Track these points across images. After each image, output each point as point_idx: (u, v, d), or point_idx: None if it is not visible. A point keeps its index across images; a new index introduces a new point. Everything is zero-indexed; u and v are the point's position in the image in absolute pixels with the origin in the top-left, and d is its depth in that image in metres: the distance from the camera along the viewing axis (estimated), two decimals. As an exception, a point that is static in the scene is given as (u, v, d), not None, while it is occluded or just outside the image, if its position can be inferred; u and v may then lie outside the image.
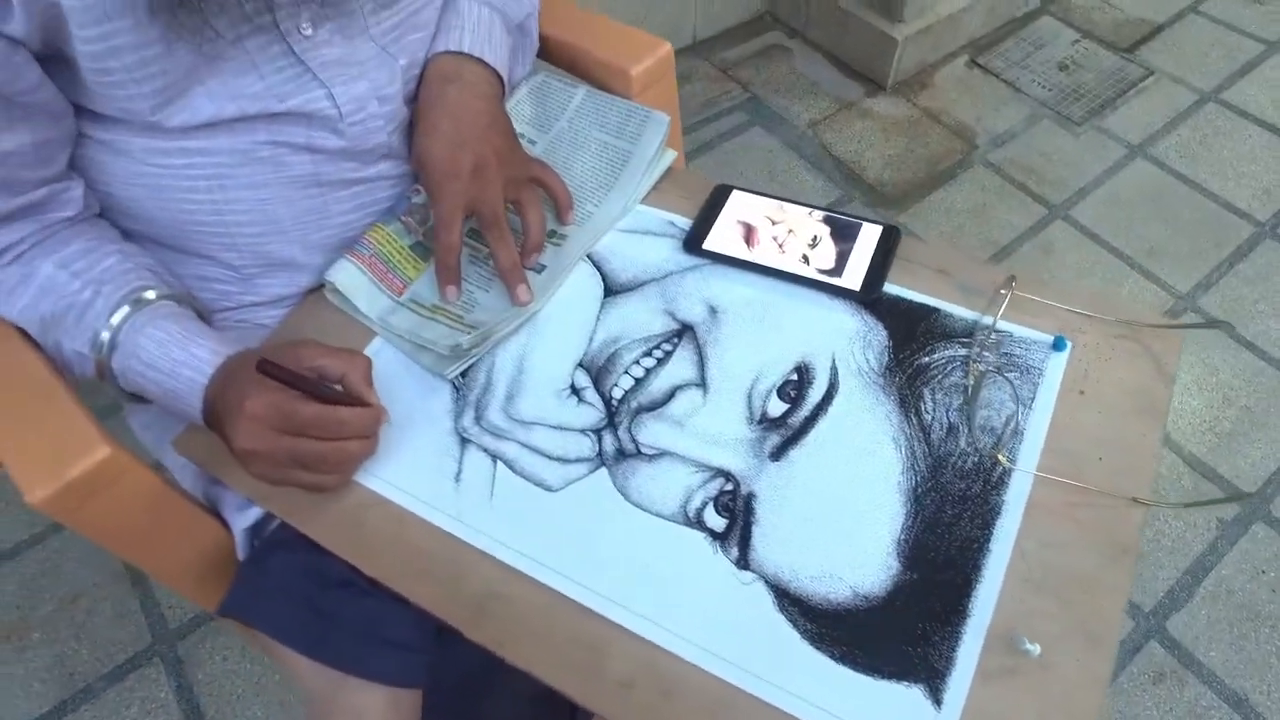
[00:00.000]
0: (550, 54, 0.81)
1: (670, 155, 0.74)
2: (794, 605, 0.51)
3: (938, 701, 0.47)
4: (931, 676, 0.48)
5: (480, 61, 0.69)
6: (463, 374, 0.64)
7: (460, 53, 0.68)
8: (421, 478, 0.59)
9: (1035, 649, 0.47)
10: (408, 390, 0.64)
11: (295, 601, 0.56)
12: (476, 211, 0.66)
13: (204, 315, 0.66)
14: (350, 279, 0.68)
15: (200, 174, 0.62)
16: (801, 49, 1.89)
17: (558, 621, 0.52)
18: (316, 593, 0.56)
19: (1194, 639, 1.12)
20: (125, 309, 0.59)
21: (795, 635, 0.50)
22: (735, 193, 0.71)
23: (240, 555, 0.64)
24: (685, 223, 0.71)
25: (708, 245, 0.68)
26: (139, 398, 0.62)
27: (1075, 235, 1.53)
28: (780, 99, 1.79)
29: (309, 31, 0.60)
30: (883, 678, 0.48)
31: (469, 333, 0.64)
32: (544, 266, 0.69)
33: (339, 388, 0.56)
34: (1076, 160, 1.65)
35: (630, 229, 0.72)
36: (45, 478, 0.52)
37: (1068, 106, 1.74)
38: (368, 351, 0.66)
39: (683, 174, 0.75)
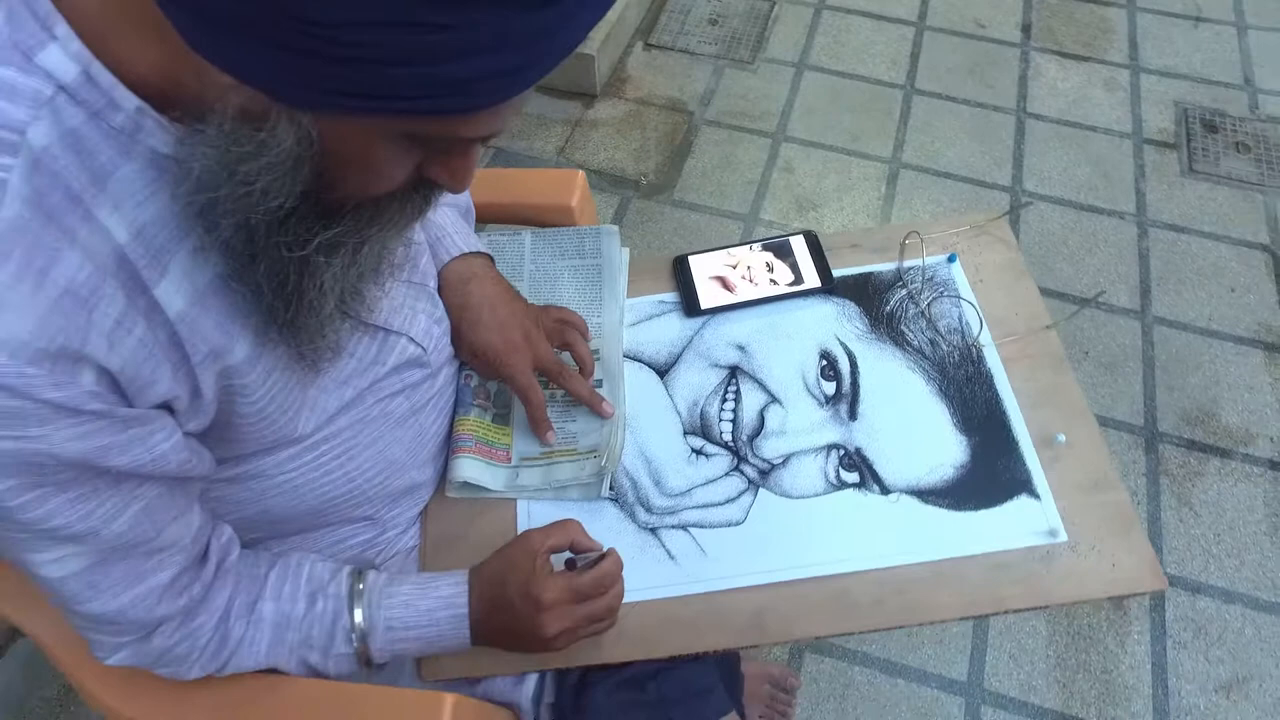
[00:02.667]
0: (488, 217, 0.94)
1: (627, 253, 0.93)
2: (931, 495, 0.77)
3: (1036, 496, 0.76)
4: (1024, 484, 0.76)
5: (475, 253, 0.82)
6: (610, 488, 0.80)
7: (461, 255, 0.81)
8: (647, 572, 0.75)
9: (1063, 438, 0.77)
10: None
11: (631, 709, 0.71)
12: (540, 368, 0.81)
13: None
14: (473, 470, 0.79)
15: (330, 457, 0.70)
16: (511, 91, 2.07)
17: (807, 596, 0.73)
18: (638, 696, 0.71)
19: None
20: (359, 600, 0.67)
21: (944, 512, 0.76)
22: (690, 258, 0.92)
23: (527, 723, 0.76)
24: (670, 297, 0.91)
25: (704, 305, 0.89)
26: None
27: (800, 149, 1.92)
28: (521, 142, 1.97)
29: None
30: (1003, 502, 0.76)
31: (598, 456, 0.80)
32: (600, 381, 0.86)
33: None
34: (766, 92, 2.03)
35: (636, 321, 0.90)
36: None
37: (736, 52, 2.11)
38: (520, 517, 0.79)
39: (636, 261, 0.94)
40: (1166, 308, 1.66)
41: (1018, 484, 0.76)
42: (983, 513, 0.75)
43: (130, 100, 0.45)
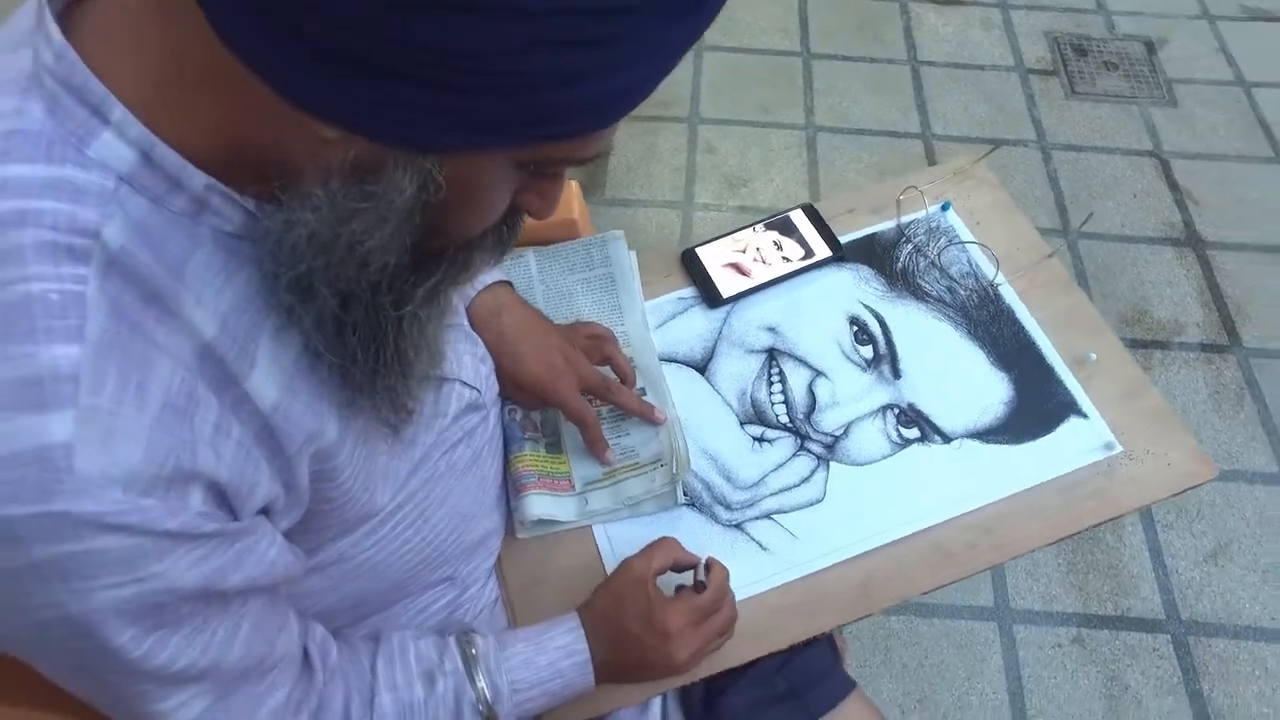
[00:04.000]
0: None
1: (635, 255, 0.91)
2: (990, 434, 0.79)
3: (1084, 415, 0.80)
4: (1071, 406, 0.80)
5: (498, 283, 0.79)
6: (684, 494, 0.78)
7: (485, 286, 0.78)
8: (744, 568, 0.74)
9: (1094, 356, 0.81)
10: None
11: (766, 706, 0.70)
12: (586, 388, 0.79)
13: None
14: (543, 507, 0.76)
15: (406, 525, 0.66)
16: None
17: (903, 557, 0.74)
18: (768, 692, 0.71)
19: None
20: (478, 670, 0.63)
21: (1006, 448, 0.78)
22: (699, 249, 0.92)
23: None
24: (688, 292, 0.90)
25: (725, 294, 0.88)
26: None
27: (717, 129, 1.94)
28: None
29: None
30: (1056, 427, 0.79)
31: (664, 464, 0.78)
32: (643, 389, 0.84)
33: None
34: (670, 78, 2.03)
35: (661, 322, 0.89)
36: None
37: (632, 45, 2.11)
38: (601, 543, 0.77)
39: (644, 262, 0.93)
40: (1084, 222, 1.78)
41: (1065, 407, 0.80)
42: (1041, 441, 0.79)
43: (197, 179, 0.41)
